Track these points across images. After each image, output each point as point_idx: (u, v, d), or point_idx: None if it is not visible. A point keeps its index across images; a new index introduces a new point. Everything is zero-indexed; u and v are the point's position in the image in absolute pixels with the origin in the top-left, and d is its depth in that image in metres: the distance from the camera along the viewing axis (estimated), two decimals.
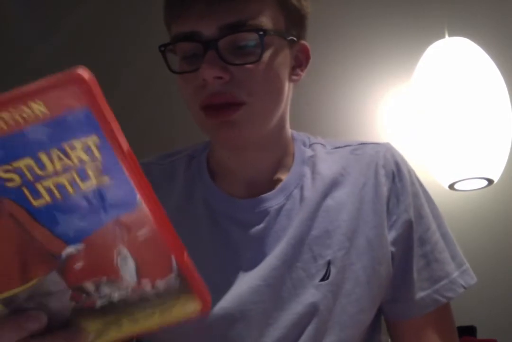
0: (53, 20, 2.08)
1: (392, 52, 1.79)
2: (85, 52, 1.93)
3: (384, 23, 1.81)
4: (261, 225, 0.69)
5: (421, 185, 0.76)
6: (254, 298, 0.66)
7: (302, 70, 0.72)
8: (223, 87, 0.63)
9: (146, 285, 0.38)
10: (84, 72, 0.32)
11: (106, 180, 0.34)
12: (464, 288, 0.72)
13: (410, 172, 0.75)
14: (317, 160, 0.73)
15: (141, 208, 0.35)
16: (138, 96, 1.92)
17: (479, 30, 1.61)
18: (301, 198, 0.70)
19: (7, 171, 0.34)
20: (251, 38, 0.63)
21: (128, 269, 0.37)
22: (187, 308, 0.39)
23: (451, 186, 1.48)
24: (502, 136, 1.42)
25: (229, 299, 0.66)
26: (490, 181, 1.45)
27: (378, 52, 1.81)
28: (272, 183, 0.72)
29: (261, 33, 0.63)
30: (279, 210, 0.70)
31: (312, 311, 0.65)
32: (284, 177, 0.73)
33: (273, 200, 0.70)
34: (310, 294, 0.66)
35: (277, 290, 0.66)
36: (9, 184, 0.34)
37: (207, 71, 0.62)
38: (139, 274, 0.38)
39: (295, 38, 0.69)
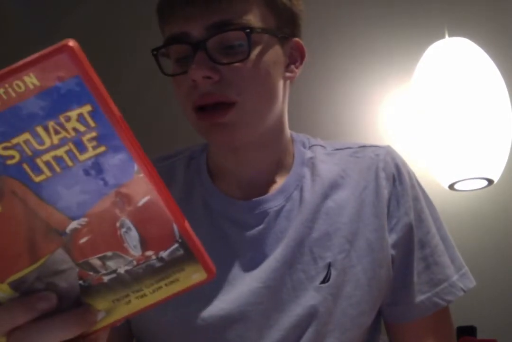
0: (53, 20, 2.08)
1: (392, 52, 1.78)
2: (85, 52, 1.93)
3: (384, 23, 1.81)
4: (261, 227, 0.69)
5: (421, 187, 0.76)
6: (253, 300, 0.66)
7: (297, 67, 0.72)
8: (213, 88, 0.63)
9: (151, 256, 0.38)
10: (71, 42, 0.32)
11: (103, 149, 0.34)
12: (464, 291, 0.72)
13: (411, 174, 0.75)
14: (316, 162, 0.73)
15: (140, 177, 0.35)
16: (138, 97, 1.92)
17: (479, 30, 1.61)
18: (301, 200, 0.70)
19: (6, 148, 0.34)
20: (238, 37, 0.63)
21: (132, 241, 0.37)
22: (193, 278, 0.39)
23: (451, 186, 1.48)
24: (502, 136, 1.42)
25: (229, 300, 0.66)
26: (490, 181, 1.45)
27: (378, 52, 1.81)
28: (271, 184, 0.72)
29: (248, 30, 0.63)
30: (279, 212, 0.70)
31: (312, 314, 0.65)
32: (283, 178, 0.73)
33: (272, 202, 0.70)
34: (310, 296, 0.66)
35: (276, 292, 0.66)
36: (9, 161, 0.34)
37: (196, 72, 0.62)
38: (143, 245, 0.38)
39: (287, 36, 0.69)
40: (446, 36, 1.51)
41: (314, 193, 0.70)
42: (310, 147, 0.76)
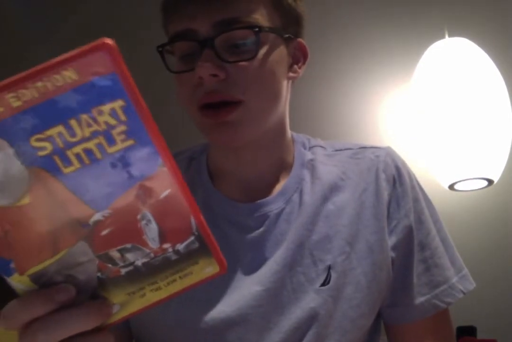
0: (53, 20, 2.08)
1: (392, 52, 1.78)
2: None
3: (384, 23, 1.81)
4: (261, 229, 0.69)
5: (421, 189, 0.75)
6: (253, 302, 0.66)
7: (300, 68, 0.72)
8: (219, 86, 0.63)
9: (168, 249, 0.39)
10: (110, 41, 0.34)
11: (131, 142, 0.35)
12: (463, 293, 0.72)
13: (411, 176, 0.75)
14: (316, 164, 0.73)
15: (163, 171, 0.36)
16: None
17: (479, 31, 1.61)
18: (301, 202, 0.70)
19: (39, 140, 0.34)
20: (245, 35, 0.63)
21: (151, 233, 0.38)
22: (206, 271, 0.40)
23: (451, 186, 1.48)
24: (502, 137, 1.42)
25: (229, 302, 0.66)
26: (490, 181, 1.45)
27: (378, 52, 1.81)
28: (271, 186, 0.72)
29: (256, 29, 0.63)
30: (279, 214, 0.70)
31: (312, 316, 0.65)
32: (283, 179, 0.72)
33: (272, 204, 0.70)
34: (311, 299, 0.66)
35: (277, 295, 0.66)
36: (41, 153, 0.35)
37: (203, 69, 0.62)
38: (161, 237, 0.38)
39: (292, 36, 0.69)
40: (446, 36, 1.51)
41: (314, 196, 0.70)
42: (310, 148, 0.76)
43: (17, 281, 0.38)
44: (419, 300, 0.70)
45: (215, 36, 0.62)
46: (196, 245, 0.39)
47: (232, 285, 0.67)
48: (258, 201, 0.70)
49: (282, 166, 0.73)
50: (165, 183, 0.37)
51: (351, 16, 1.84)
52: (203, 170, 0.75)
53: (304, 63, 0.73)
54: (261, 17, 0.64)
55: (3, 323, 0.38)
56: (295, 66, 0.72)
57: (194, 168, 0.76)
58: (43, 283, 0.39)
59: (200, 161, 0.76)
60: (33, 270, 0.38)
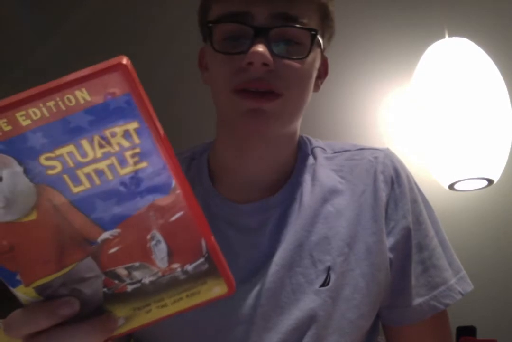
0: (53, 20, 2.08)
1: (392, 52, 1.78)
2: (85, 52, 1.93)
3: (384, 23, 1.81)
4: (260, 230, 0.69)
5: (419, 190, 0.75)
6: (253, 303, 0.66)
7: (321, 83, 0.74)
8: (265, 75, 0.63)
9: (176, 268, 0.39)
10: (125, 60, 0.33)
11: (144, 165, 0.35)
12: (462, 294, 0.72)
13: (409, 177, 0.75)
14: (317, 167, 0.74)
15: (176, 192, 0.36)
16: None
17: (479, 30, 1.61)
18: (300, 204, 0.70)
19: (49, 159, 0.34)
20: (300, 35, 0.64)
21: (160, 253, 0.38)
22: (213, 292, 0.40)
23: (451, 186, 1.48)
24: (502, 136, 1.41)
25: (229, 303, 0.66)
26: (490, 181, 1.45)
27: (378, 52, 1.81)
28: (272, 187, 0.72)
29: (313, 33, 0.64)
30: (279, 216, 0.70)
31: (311, 317, 0.65)
32: (284, 181, 0.73)
33: (272, 205, 0.70)
34: (310, 300, 0.66)
35: (276, 295, 0.66)
36: (50, 171, 0.35)
37: (257, 56, 0.61)
38: (170, 258, 0.38)
39: (323, 50, 0.71)
40: (446, 36, 1.51)
41: (313, 198, 0.70)
42: (311, 149, 0.76)
43: (23, 292, 0.38)
44: (417, 301, 0.70)
45: (272, 27, 0.62)
46: (206, 265, 0.39)
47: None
48: (258, 202, 0.70)
49: (283, 168, 0.73)
50: (177, 205, 0.37)
51: (350, 16, 1.84)
52: (204, 171, 0.75)
53: (324, 79, 0.74)
54: (313, 23, 0.66)
55: (7, 332, 0.38)
56: (318, 80, 0.73)
57: (195, 169, 0.76)
58: (48, 295, 0.39)
59: (201, 161, 0.76)
60: (38, 282, 0.38)
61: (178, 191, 0.36)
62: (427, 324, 0.72)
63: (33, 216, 0.36)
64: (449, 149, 1.42)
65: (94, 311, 0.40)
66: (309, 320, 0.65)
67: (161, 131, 0.35)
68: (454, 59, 1.44)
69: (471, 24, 1.66)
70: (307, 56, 0.64)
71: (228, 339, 0.66)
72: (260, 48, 0.61)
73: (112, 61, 0.33)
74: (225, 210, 0.71)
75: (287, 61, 0.64)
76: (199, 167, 0.76)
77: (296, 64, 0.64)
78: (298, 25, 0.63)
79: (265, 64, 0.62)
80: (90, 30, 2.00)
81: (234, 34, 0.64)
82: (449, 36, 1.51)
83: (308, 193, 0.71)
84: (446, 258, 0.73)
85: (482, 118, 1.38)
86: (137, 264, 0.38)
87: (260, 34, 0.62)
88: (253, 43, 0.62)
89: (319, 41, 0.67)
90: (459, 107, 1.39)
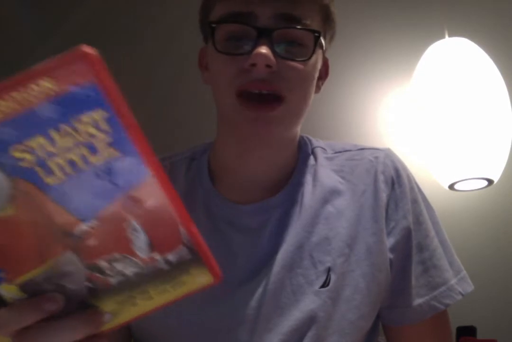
0: (53, 20, 2.08)
1: (392, 52, 1.78)
2: None
3: (384, 23, 1.81)
4: (261, 231, 0.69)
5: (420, 190, 0.75)
6: (253, 303, 0.65)
7: (322, 84, 0.74)
8: (268, 77, 0.63)
9: (158, 258, 0.39)
10: (89, 49, 0.33)
11: (115, 153, 0.35)
12: (462, 295, 0.72)
13: (410, 177, 0.75)
14: (318, 168, 0.73)
15: (151, 181, 0.36)
16: (138, 97, 1.92)
17: (479, 30, 1.61)
18: (301, 205, 0.70)
19: (19, 151, 0.34)
20: (303, 37, 0.64)
21: (139, 243, 0.38)
22: (199, 281, 0.40)
23: (451, 186, 1.48)
24: (502, 136, 1.41)
25: (229, 303, 0.66)
26: (490, 181, 1.45)
27: (378, 52, 1.80)
28: (273, 187, 0.72)
29: (317, 34, 0.64)
30: (279, 216, 0.70)
31: (311, 318, 0.65)
32: (285, 182, 0.72)
33: (273, 206, 0.70)
34: (310, 301, 0.66)
35: (276, 296, 0.66)
36: (22, 164, 0.35)
37: (261, 57, 0.61)
38: (150, 247, 0.38)
39: (324, 50, 0.71)
40: (446, 36, 1.51)
41: (314, 198, 0.70)
42: (312, 150, 0.76)
43: (7, 290, 0.38)
44: (417, 301, 0.70)
45: (275, 28, 0.62)
46: (188, 255, 0.39)
47: (232, 287, 0.67)
48: (259, 202, 0.70)
49: (285, 167, 0.73)
50: (153, 193, 0.37)
51: (350, 16, 1.84)
52: (204, 171, 0.75)
53: (324, 80, 0.74)
54: (316, 25, 0.66)
55: None
56: (319, 82, 0.73)
57: (195, 169, 0.76)
58: (32, 292, 0.39)
59: (201, 162, 0.76)
60: (21, 279, 0.38)
61: (154, 179, 0.36)
62: (427, 324, 0.72)
63: (11, 211, 0.36)
64: (449, 149, 1.42)
65: (80, 306, 0.40)
66: (309, 321, 0.65)
67: (132, 120, 0.35)
68: (454, 59, 1.44)
69: (471, 24, 1.66)
70: (310, 57, 0.64)
71: (229, 340, 0.66)
72: (264, 49, 0.61)
73: (76, 50, 0.33)
74: (225, 210, 0.71)
75: (290, 63, 0.64)
76: (199, 167, 0.76)
77: (299, 65, 0.64)
78: (302, 27, 0.63)
79: (268, 66, 0.62)
80: (90, 30, 2.00)
81: (237, 35, 0.64)
82: (449, 36, 1.51)
83: (309, 193, 0.71)
84: (446, 258, 0.73)
85: (482, 119, 1.38)
86: (117, 255, 0.38)
87: (264, 35, 0.62)
88: (257, 44, 0.62)
89: (321, 42, 0.67)
90: (459, 108, 1.39)
